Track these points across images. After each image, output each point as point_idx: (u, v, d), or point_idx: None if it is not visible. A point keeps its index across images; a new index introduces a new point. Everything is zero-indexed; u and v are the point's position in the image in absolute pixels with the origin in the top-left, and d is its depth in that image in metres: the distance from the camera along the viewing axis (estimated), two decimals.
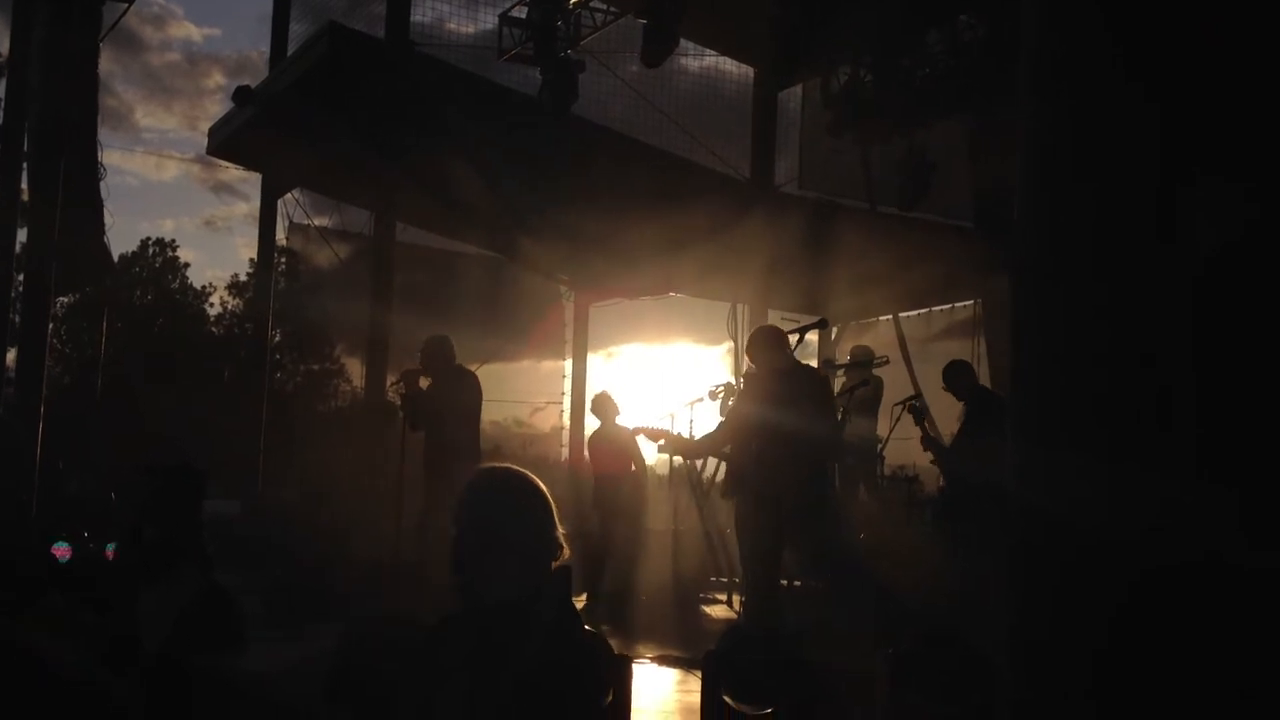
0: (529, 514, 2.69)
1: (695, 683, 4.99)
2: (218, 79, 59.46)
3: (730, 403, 10.52)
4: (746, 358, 6.95)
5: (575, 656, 2.64)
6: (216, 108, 58.41)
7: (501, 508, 2.69)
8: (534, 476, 2.77)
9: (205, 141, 13.67)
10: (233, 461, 13.93)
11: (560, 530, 2.73)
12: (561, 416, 16.61)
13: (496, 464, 2.84)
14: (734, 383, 11.46)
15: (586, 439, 11.68)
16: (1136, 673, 2.55)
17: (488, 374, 11.05)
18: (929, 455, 8.55)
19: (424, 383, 8.69)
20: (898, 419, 8.92)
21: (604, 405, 10.24)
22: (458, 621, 2.73)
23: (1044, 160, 2.90)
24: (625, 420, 10.19)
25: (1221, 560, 2.56)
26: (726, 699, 4.84)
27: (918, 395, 9.77)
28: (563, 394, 16.68)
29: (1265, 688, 2.51)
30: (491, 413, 13.48)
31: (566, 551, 2.72)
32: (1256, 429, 2.57)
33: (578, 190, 10.92)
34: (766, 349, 6.71)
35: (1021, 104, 2.95)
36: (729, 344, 14.60)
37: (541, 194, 11.13)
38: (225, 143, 13.10)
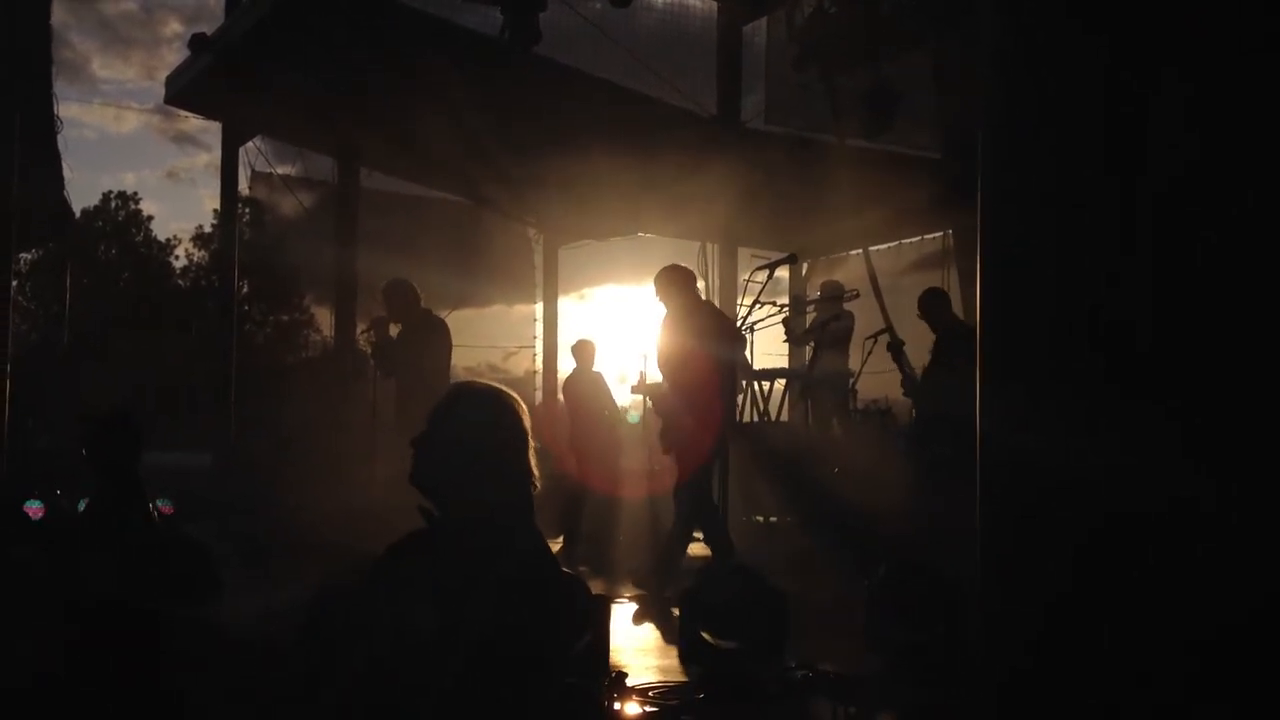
0: (504, 431, 2.62)
1: (674, 620, 5.02)
2: (175, 27, 58.54)
3: None
4: (659, 297, 7.02)
5: (542, 581, 2.59)
6: (174, 57, 57.43)
7: (478, 421, 2.62)
8: (515, 396, 2.71)
9: (164, 92, 13.44)
10: (203, 414, 13.86)
11: (534, 457, 2.68)
12: (534, 360, 16.57)
13: (481, 382, 2.79)
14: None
15: (561, 382, 11.69)
16: (1100, 596, 2.58)
17: (459, 319, 11.02)
18: (901, 388, 8.60)
19: (393, 329, 8.65)
20: (869, 353, 8.95)
21: (583, 350, 10.32)
22: (421, 536, 2.67)
23: (1007, 85, 2.88)
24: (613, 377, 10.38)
25: (1178, 495, 2.58)
26: (704, 635, 4.89)
27: (886, 331, 9.79)
28: (535, 338, 16.64)
29: (1213, 613, 2.54)
30: (464, 358, 13.44)
31: (537, 478, 2.68)
32: (1216, 361, 2.58)
33: (543, 132, 10.82)
34: (683, 288, 6.87)
35: (984, 29, 2.93)
36: (701, 283, 14.56)
37: (506, 136, 11.02)
38: (183, 92, 12.87)
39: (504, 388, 2.74)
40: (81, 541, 5.55)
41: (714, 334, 6.79)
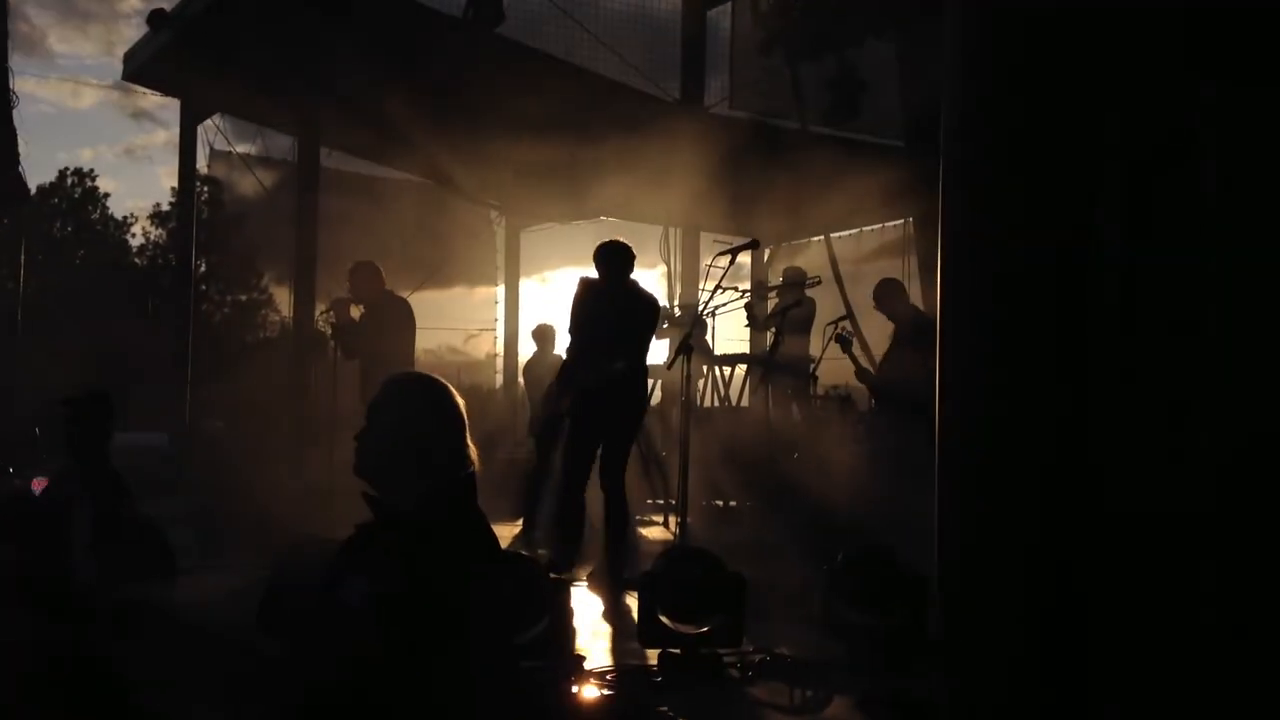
0: (434, 418, 2.71)
1: (633, 602, 5.02)
2: (133, 2, 57.63)
3: (664, 326, 10.54)
4: (599, 272, 6.96)
5: (483, 567, 2.65)
6: (133, 32, 56.53)
7: (412, 413, 2.72)
8: (448, 386, 2.81)
9: (122, 67, 13.25)
10: (159, 394, 13.72)
11: (471, 443, 2.76)
12: (495, 343, 16.54)
13: (414, 371, 2.89)
14: (667, 306, 11.45)
15: (521, 366, 11.67)
16: (1059, 580, 2.60)
17: (420, 300, 10.95)
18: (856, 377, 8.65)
19: (355, 311, 8.59)
20: (829, 339, 8.97)
21: (544, 334, 10.35)
22: (365, 529, 2.75)
23: (970, 75, 2.88)
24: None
25: (1140, 480, 2.60)
26: (663, 618, 4.89)
27: (847, 317, 9.81)
28: (496, 321, 16.59)
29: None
30: (425, 340, 13.35)
31: (476, 464, 2.75)
32: (1177, 347, 2.60)
33: (505, 113, 10.75)
34: (601, 264, 6.87)
35: (947, 19, 2.93)
36: (662, 268, 14.56)
37: (468, 118, 10.95)
38: (142, 68, 12.70)
39: (435, 376, 2.84)
40: (46, 522, 5.50)
41: (611, 312, 6.76)
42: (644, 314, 6.99)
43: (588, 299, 6.90)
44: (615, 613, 6.21)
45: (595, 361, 6.59)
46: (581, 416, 6.77)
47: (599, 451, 6.85)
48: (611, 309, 6.81)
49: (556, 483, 7.08)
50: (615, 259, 6.94)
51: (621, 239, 7.14)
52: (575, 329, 6.95)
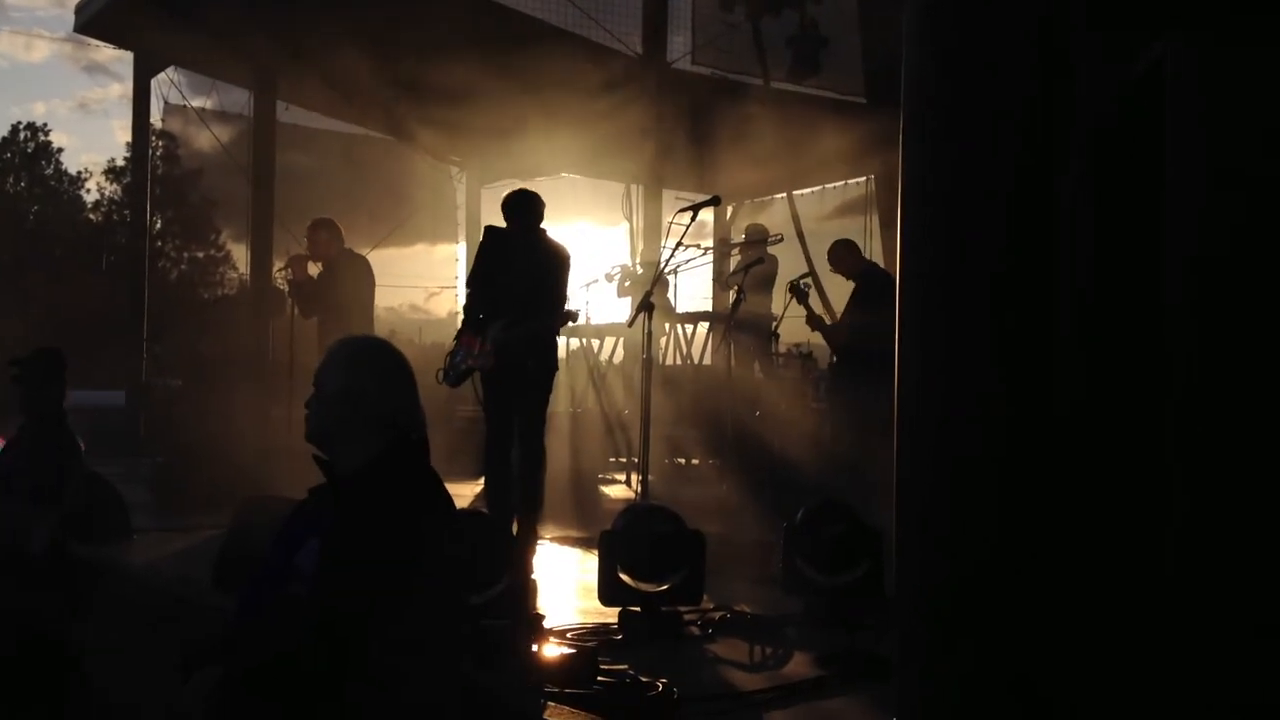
0: (384, 384, 2.71)
1: (594, 561, 5.02)
2: None
3: (627, 284, 10.51)
4: (506, 222, 6.66)
5: (433, 526, 2.64)
6: None
7: (357, 376, 2.70)
8: (394, 348, 2.83)
9: (74, 19, 12.98)
10: (115, 352, 13.56)
11: (419, 403, 2.77)
12: (456, 301, 16.43)
13: (359, 335, 2.88)
14: (630, 264, 11.41)
15: None
16: (1020, 539, 2.60)
17: (380, 258, 10.90)
18: (808, 325, 8.64)
19: (314, 269, 8.49)
20: (791, 297, 8.96)
21: None
22: (317, 492, 2.76)
23: (931, 30, 2.85)
24: None
25: (1102, 439, 2.60)
26: (623, 576, 4.89)
27: (807, 274, 9.82)
28: (457, 278, 16.49)
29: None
30: (386, 298, 13.30)
31: (422, 423, 2.75)
32: (1144, 309, 2.59)
33: (465, 67, 10.62)
34: (507, 215, 6.55)
35: None
36: (625, 225, 14.49)
37: (428, 71, 10.82)
38: (94, 19, 12.45)
39: (378, 337, 2.85)
40: (8, 485, 5.43)
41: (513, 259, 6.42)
42: (554, 266, 6.48)
43: (493, 249, 6.54)
44: (576, 571, 6.22)
45: (506, 319, 6.20)
46: (493, 380, 6.34)
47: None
48: (518, 261, 6.38)
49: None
50: (521, 207, 6.54)
51: (530, 188, 6.78)
52: (478, 280, 6.52)
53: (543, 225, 6.59)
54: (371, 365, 2.74)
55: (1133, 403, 2.60)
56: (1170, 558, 2.47)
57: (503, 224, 6.61)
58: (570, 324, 6.78)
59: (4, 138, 37.34)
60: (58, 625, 4.68)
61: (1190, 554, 2.44)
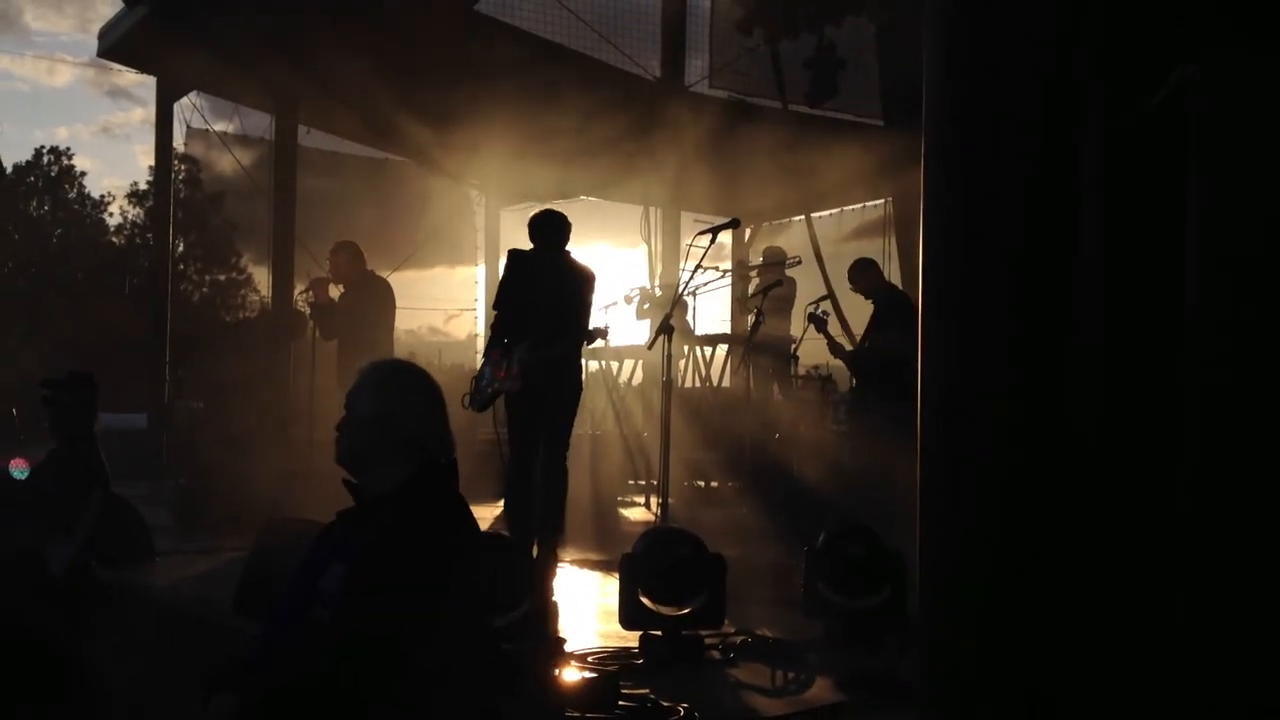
0: (415, 408, 2.72)
1: (614, 584, 5.00)
2: None
3: (646, 307, 10.51)
4: (532, 244, 6.62)
5: (459, 551, 2.65)
6: (109, 8, 55.86)
7: (388, 400, 2.71)
8: (425, 372, 2.83)
9: (97, 44, 13.10)
10: (138, 374, 13.63)
11: (449, 428, 2.77)
12: (476, 323, 16.46)
13: (391, 358, 2.90)
14: (649, 287, 11.42)
15: None
16: (1043, 561, 2.59)
17: (400, 280, 10.89)
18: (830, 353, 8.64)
19: (335, 291, 8.53)
20: (808, 319, 8.96)
21: None
22: (345, 515, 2.77)
23: (950, 52, 2.86)
24: None
25: (1123, 459, 2.59)
26: (644, 599, 4.87)
27: (826, 297, 9.82)
28: (476, 301, 16.53)
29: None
30: (406, 320, 13.32)
31: (452, 446, 2.76)
32: (1158, 325, 2.58)
33: (485, 91, 10.68)
34: (532, 236, 6.51)
35: None
36: (644, 247, 14.51)
37: (448, 95, 10.88)
38: (117, 44, 12.56)
39: (412, 362, 2.85)
40: (22, 504, 5.45)
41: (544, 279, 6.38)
42: (579, 288, 6.44)
43: (518, 271, 6.49)
44: (596, 595, 6.20)
45: (532, 340, 6.16)
46: (518, 402, 6.29)
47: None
48: (544, 283, 6.34)
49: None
50: (548, 229, 6.51)
51: (557, 209, 6.76)
52: (502, 303, 6.45)
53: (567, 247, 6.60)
54: (403, 389, 2.75)
55: (1152, 424, 2.59)
56: (1189, 571, 2.45)
57: (524, 246, 6.61)
58: (600, 342, 6.74)
59: (28, 161, 37.57)
60: (64, 642, 4.68)
61: (1210, 564, 2.43)
